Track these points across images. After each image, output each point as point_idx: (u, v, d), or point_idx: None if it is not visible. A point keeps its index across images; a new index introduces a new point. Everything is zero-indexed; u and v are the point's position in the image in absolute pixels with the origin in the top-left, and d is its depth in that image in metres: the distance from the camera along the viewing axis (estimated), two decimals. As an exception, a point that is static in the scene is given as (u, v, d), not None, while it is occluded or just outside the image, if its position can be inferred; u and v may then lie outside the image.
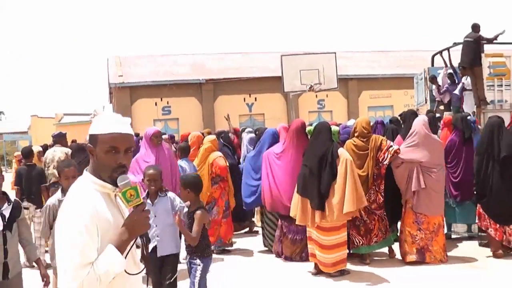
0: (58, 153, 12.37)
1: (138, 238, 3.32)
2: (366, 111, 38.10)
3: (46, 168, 12.29)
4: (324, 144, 9.21)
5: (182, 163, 11.27)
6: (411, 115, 11.33)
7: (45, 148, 18.04)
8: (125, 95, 36.47)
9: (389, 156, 9.78)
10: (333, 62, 25.38)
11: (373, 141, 9.89)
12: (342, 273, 9.34)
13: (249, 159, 12.19)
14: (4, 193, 6.02)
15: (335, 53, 26.11)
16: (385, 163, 9.87)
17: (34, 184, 11.70)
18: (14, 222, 5.94)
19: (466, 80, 18.68)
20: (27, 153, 12.67)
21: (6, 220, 5.83)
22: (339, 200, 8.90)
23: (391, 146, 9.87)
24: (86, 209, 3.16)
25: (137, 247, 3.38)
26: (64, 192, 6.61)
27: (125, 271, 3.19)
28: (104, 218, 3.21)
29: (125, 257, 3.17)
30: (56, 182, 12.02)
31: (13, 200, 6.05)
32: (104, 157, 3.29)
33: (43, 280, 6.15)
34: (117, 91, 36.82)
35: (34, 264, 6.54)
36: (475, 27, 17.52)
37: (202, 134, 14.33)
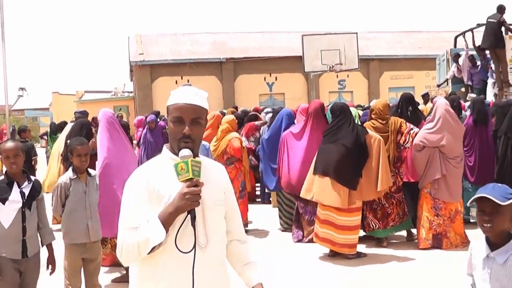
0: (81, 130, 12.37)
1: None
2: (387, 92, 37.92)
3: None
4: (353, 125, 9.14)
5: None
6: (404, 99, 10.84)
7: (64, 125, 18.17)
8: (145, 73, 36.56)
9: (410, 139, 9.67)
10: (355, 43, 25.31)
11: (392, 124, 9.78)
12: (359, 256, 9.29)
13: (264, 141, 12.18)
14: (25, 172, 6.02)
15: (356, 33, 26.04)
16: (406, 146, 9.77)
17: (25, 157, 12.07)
18: (34, 200, 5.95)
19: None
20: (21, 130, 15.79)
21: (26, 197, 5.84)
22: (371, 179, 8.90)
23: (412, 129, 9.76)
24: (140, 179, 3.33)
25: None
26: (75, 170, 6.59)
27: (176, 247, 3.16)
28: (160, 190, 3.27)
29: (177, 232, 3.17)
30: None
31: (33, 179, 6.04)
32: (171, 127, 3.35)
33: (47, 268, 6.24)
34: (137, 69, 36.93)
35: None
36: (501, 9, 17.29)
37: (223, 113, 14.31)
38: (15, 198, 5.77)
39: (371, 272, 8.65)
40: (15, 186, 5.82)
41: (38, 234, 6.13)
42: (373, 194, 9.12)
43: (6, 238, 5.75)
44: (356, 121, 9.53)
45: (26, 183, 5.90)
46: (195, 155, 3.32)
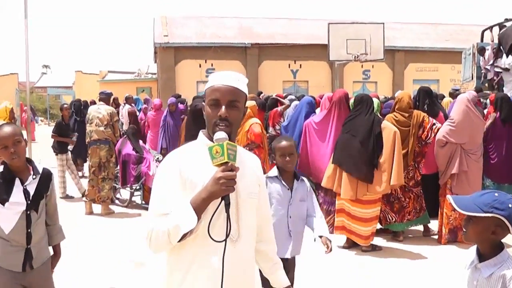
0: (102, 111, 12.41)
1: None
2: (412, 84, 37.61)
3: (88, 124, 12.36)
4: (370, 116, 9.03)
5: None
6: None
7: (85, 104, 18.41)
8: (169, 55, 36.50)
9: (432, 135, 9.56)
10: (381, 33, 25.11)
11: (415, 118, 9.65)
12: (374, 248, 9.26)
13: (283, 128, 12.12)
14: (30, 161, 4.87)
15: (383, 23, 25.82)
16: (428, 141, 9.65)
17: None
18: (42, 199, 4.81)
19: (502, 59, 18.25)
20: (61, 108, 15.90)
21: (31, 198, 4.70)
22: (386, 171, 8.77)
23: (434, 124, 9.64)
24: (173, 164, 3.17)
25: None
26: None
27: (208, 234, 2.99)
28: (194, 177, 3.12)
29: (210, 219, 3.00)
30: (98, 139, 12.12)
31: (41, 170, 4.85)
32: (208, 111, 3.20)
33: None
34: (161, 51, 36.86)
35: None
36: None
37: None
38: (16, 199, 4.62)
39: (385, 265, 8.62)
40: (17, 182, 4.67)
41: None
42: (382, 189, 8.91)
43: (6, 246, 4.67)
44: (375, 112, 9.41)
45: (30, 178, 4.72)
46: (232, 140, 3.13)
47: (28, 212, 4.66)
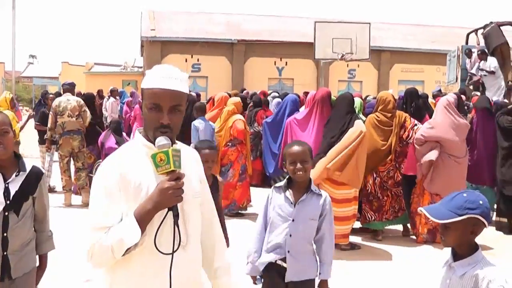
0: (72, 102, 12.41)
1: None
2: (397, 84, 37.72)
3: (59, 116, 12.28)
4: (343, 117, 9.06)
5: (196, 122, 11.26)
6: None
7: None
8: (156, 50, 36.51)
9: (413, 135, 9.61)
10: (367, 33, 25.22)
11: (397, 118, 9.70)
12: (353, 248, 9.29)
13: (267, 125, 12.18)
14: (18, 157, 4.25)
15: (369, 23, 25.92)
16: (409, 141, 9.70)
17: None
18: (26, 200, 4.17)
19: (487, 62, 18.42)
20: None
21: (12, 197, 4.07)
22: (327, 159, 8.58)
23: (416, 125, 9.70)
24: (112, 171, 2.96)
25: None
26: None
27: (155, 247, 2.85)
28: (136, 183, 2.94)
29: (156, 231, 2.88)
30: (71, 130, 12.12)
31: (28, 168, 4.21)
32: (148, 114, 2.98)
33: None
34: (148, 45, 36.89)
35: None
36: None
37: (229, 95, 14.23)
38: None
39: (364, 264, 8.66)
40: None
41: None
42: (316, 172, 8.45)
43: None
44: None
45: (13, 176, 4.09)
46: (173, 142, 2.98)
47: (6, 214, 4.03)
